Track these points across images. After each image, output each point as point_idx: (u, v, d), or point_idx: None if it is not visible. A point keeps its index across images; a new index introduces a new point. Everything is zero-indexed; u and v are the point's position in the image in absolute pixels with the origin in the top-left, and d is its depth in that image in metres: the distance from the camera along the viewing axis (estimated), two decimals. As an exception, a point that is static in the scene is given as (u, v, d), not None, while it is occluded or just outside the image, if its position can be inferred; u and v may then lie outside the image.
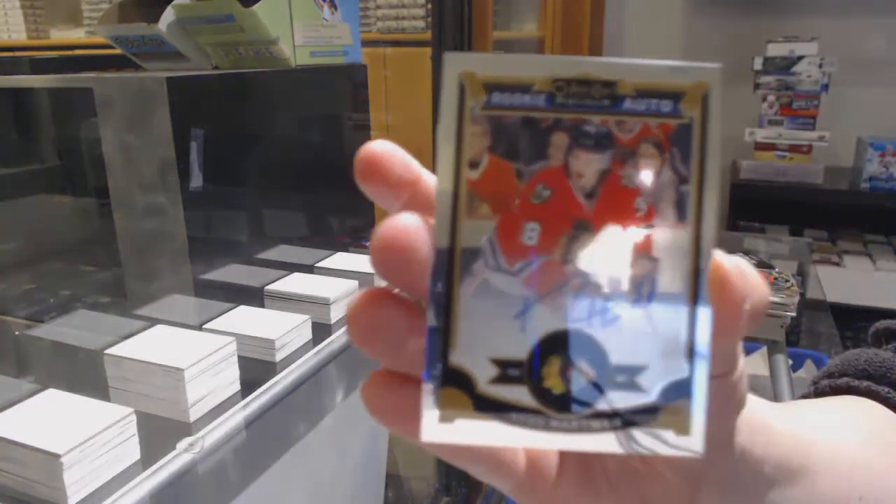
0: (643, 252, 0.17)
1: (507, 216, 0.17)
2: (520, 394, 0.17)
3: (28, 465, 0.51)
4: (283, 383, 0.70)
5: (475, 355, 0.17)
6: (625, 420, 0.17)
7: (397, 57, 2.33)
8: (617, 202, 0.17)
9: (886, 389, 0.36)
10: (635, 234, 0.17)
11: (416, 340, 0.17)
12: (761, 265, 1.17)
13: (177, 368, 0.61)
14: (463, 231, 0.17)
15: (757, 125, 2.23)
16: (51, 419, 0.54)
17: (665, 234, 0.17)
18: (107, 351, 0.64)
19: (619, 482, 0.23)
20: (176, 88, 0.72)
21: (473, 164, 0.17)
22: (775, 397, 0.81)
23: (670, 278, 0.17)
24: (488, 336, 0.17)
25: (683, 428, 0.17)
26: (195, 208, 0.76)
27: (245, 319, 0.77)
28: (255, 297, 0.85)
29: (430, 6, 2.33)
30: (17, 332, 0.82)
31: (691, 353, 0.17)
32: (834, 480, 0.28)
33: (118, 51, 1.02)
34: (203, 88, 0.81)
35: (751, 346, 0.98)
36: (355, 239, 1.07)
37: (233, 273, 0.84)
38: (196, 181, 0.76)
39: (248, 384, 0.68)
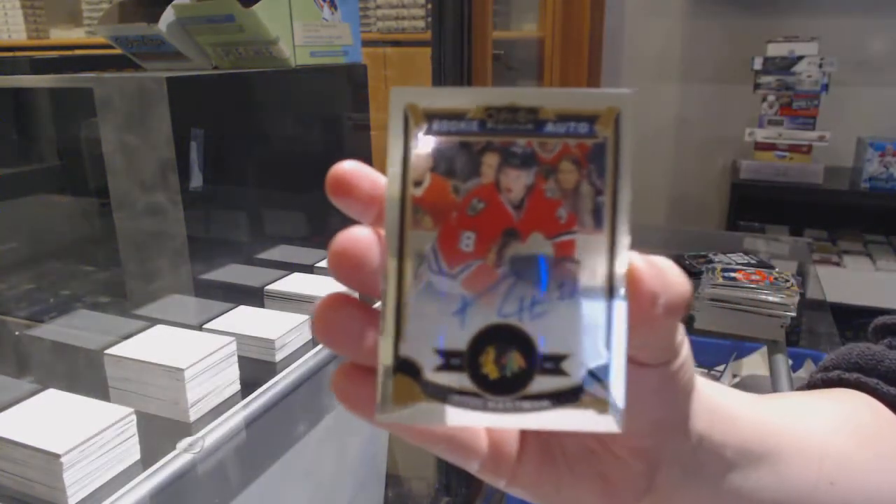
0: (566, 255, 0.19)
1: (447, 227, 0.19)
2: (461, 380, 0.19)
3: (28, 465, 0.51)
4: (283, 383, 0.70)
5: (422, 347, 0.19)
6: (552, 401, 0.19)
7: (397, 57, 2.33)
8: (542, 212, 0.19)
9: (875, 381, 0.37)
10: (558, 239, 0.19)
11: (370, 337, 0.20)
12: (761, 265, 1.17)
13: (177, 368, 0.61)
14: (409, 240, 0.19)
15: (757, 125, 2.23)
16: (51, 419, 0.54)
17: (584, 239, 0.19)
18: (107, 351, 0.64)
19: (577, 462, 0.25)
20: (176, 88, 0.72)
21: (417, 183, 0.19)
22: (775, 397, 0.80)
23: (590, 277, 0.19)
24: (433, 330, 0.19)
25: (603, 408, 0.19)
26: (195, 208, 0.76)
27: (245, 319, 0.77)
28: (255, 297, 0.85)
29: (430, 6, 2.33)
30: (17, 332, 0.82)
31: (609, 342, 0.19)
32: (801, 466, 0.30)
33: (118, 51, 1.02)
34: (203, 88, 0.81)
35: (751, 346, 0.98)
36: (355, 239, 1.07)
37: (233, 273, 0.84)
38: (196, 181, 0.76)
39: (248, 384, 0.68)
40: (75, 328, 0.84)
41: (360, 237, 0.19)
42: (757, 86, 2.19)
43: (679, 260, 1.26)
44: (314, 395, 0.76)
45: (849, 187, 2.20)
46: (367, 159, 1.12)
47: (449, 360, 0.19)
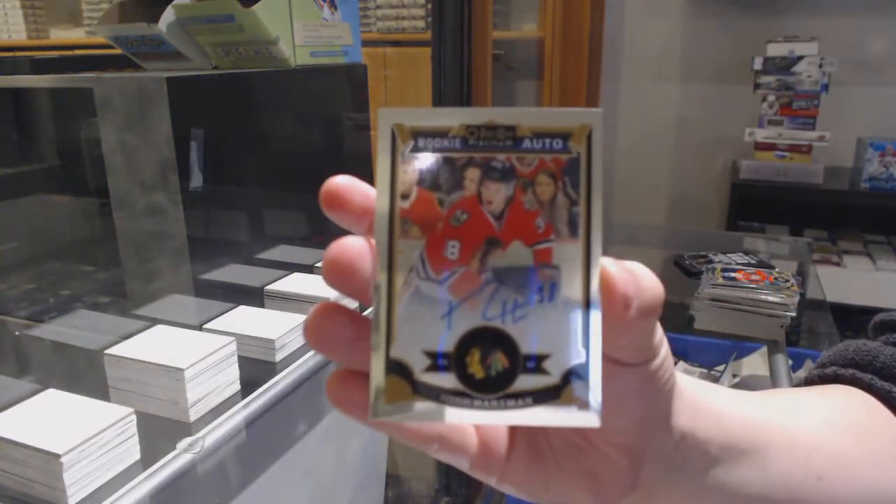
0: (544, 262, 0.20)
1: (433, 236, 0.20)
2: (449, 379, 0.20)
3: (28, 465, 0.51)
4: (283, 383, 0.70)
5: (411, 349, 0.20)
6: (535, 398, 0.20)
7: (397, 57, 2.33)
8: (521, 222, 0.20)
9: (870, 377, 0.37)
10: (537, 247, 0.20)
11: (360, 344, 0.21)
12: (761, 265, 1.17)
13: (177, 368, 0.61)
14: (399, 249, 0.20)
15: (757, 125, 2.23)
16: (51, 419, 0.54)
17: (561, 247, 0.20)
18: (107, 351, 0.64)
19: (564, 459, 0.25)
20: (176, 88, 0.72)
21: (405, 196, 0.20)
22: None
23: (567, 282, 0.20)
24: (421, 333, 0.20)
25: (583, 404, 0.20)
26: (195, 208, 0.76)
27: (245, 319, 0.77)
28: (255, 297, 0.85)
29: (430, 6, 2.33)
30: (17, 332, 0.82)
31: (586, 342, 0.20)
32: (787, 461, 0.30)
33: (118, 51, 1.02)
34: (203, 88, 0.81)
35: (751, 346, 0.98)
36: (355, 239, 1.07)
37: (233, 273, 0.84)
38: (196, 181, 0.76)
39: (248, 384, 0.68)
40: (75, 328, 0.84)
41: (353, 247, 0.20)
42: (757, 86, 2.19)
43: (679, 260, 1.26)
44: (314, 395, 0.76)
45: (849, 187, 2.19)
46: (366, 159, 1.12)
47: (437, 361, 0.20)
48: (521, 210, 0.21)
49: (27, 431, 0.52)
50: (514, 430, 0.25)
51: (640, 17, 2.55)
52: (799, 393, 0.38)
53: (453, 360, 0.20)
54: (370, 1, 2.47)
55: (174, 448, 0.57)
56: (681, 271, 1.24)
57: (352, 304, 0.23)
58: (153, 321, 0.72)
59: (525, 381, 0.20)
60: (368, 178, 0.21)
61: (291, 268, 0.92)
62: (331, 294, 0.83)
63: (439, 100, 1.50)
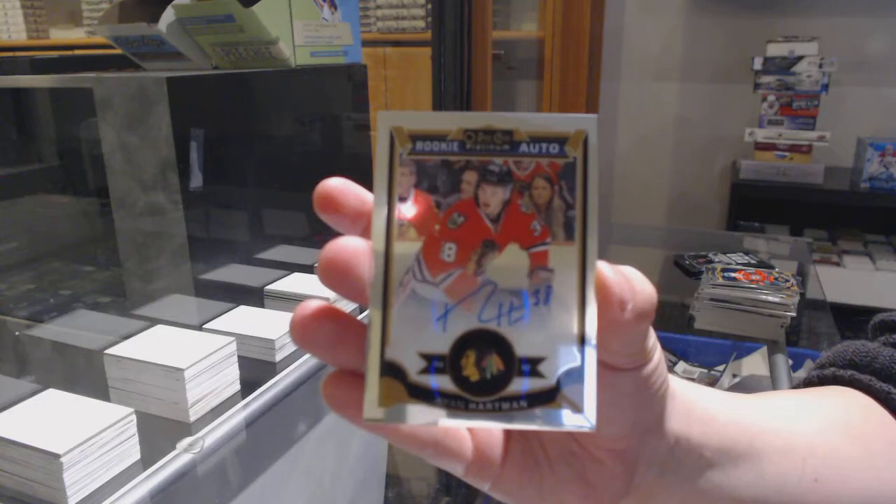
0: (540, 264, 0.20)
1: (430, 238, 0.21)
2: (444, 382, 0.20)
3: (28, 465, 0.51)
4: (283, 383, 0.70)
5: (407, 351, 0.20)
6: (529, 401, 0.20)
7: (397, 57, 2.33)
8: (517, 225, 0.21)
9: (868, 378, 0.37)
10: (533, 250, 0.20)
11: (344, 343, 0.21)
12: (761, 265, 1.17)
13: (177, 368, 0.61)
14: (395, 251, 0.20)
15: (757, 125, 2.23)
16: (51, 419, 0.54)
17: (557, 250, 0.20)
18: (107, 351, 0.64)
19: (558, 465, 0.25)
20: (176, 88, 0.72)
21: (403, 198, 0.21)
22: (775, 397, 0.80)
23: (563, 285, 0.20)
24: (417, 335, 0.20)
25: (577, 407, 0.20)
26: (195, 208, 0.76)
27: (245, 319, 0.77)
28: (255, 297, 0.85)
29: (430, 6, 2.33)
30: (17, 332, 0.82)
31: (581, 345, 0.20)
32: (782, 464, 0.30)
33: (118, 51, 1.02)
34: (203, 88, 0.81)
35: (751, 346, 0.97)
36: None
37: (233, 273, 0.84)
38: (196, 181, 0.76)
39: (248, 384, 0.68)
40: (75, 328, 0.84)
41: (349, 247, 0.20)
42: (757, 86, 2.19)
43: (679, 260, 1.26)
44: (314, 395, 0.76)
45: (849, 187, 2.19)
46: (366, 159, 1.12)
47: (432, 363, 0.20)
48: (518, 213, 0.21)
49: (27, 431, 0.52)
50: (508, 436, 0.25)
51: (639, 16, 2.55)
52: (795, 395, 0.38)
53: (448, 363, 0.20)
54: (370, 1, 2.47)
55: (174, 448, 0.57)
56: (681, 271, 1.24)
57: (349, 305, 0.23)
58: (153, 321, 0.72)
59: (520, 384, 0.20)
60: (368, 178, 0.21)
61: (291, 268, 0.92)
62: (330, 295, 0.82)
63: (439, 100, 1.50)
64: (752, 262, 1.19)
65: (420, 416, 0.20)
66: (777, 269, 1.05)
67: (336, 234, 0.21)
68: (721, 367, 0.98)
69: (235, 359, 0.67)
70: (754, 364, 1.02)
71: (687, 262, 1.24)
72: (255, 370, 0.71)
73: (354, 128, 1.08)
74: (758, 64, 2.16)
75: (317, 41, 0.98)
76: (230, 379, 0.67)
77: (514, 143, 0.21)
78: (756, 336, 0.96)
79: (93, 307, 0.87)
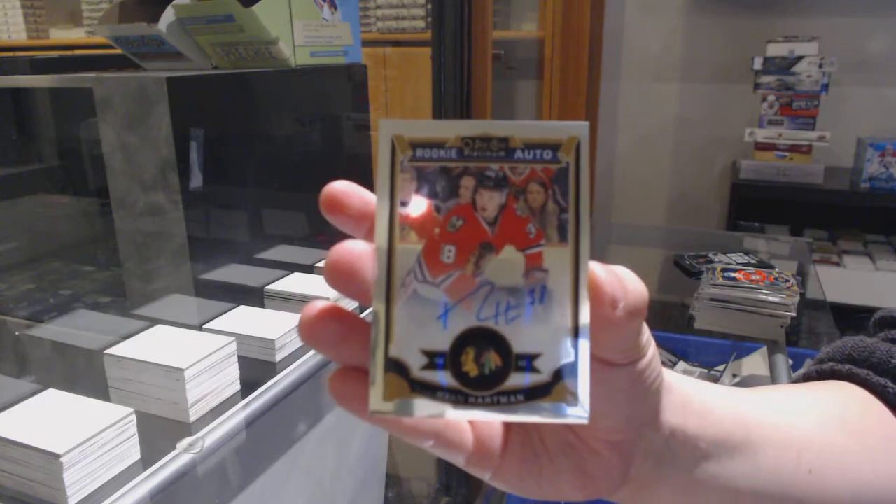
0: (535, 265, 0.21)
1: (430, 241, 0.22)
2: (444, 377, 0.21)
3: (28, 465, 0.51)
4: (283, 383, 0.70)
5: (409, 348, 0.21)
6: (526, 395, 0.21)
7: (397, 57, 2.33)
8: (513, 228, 0.22)
9: (866, 372, 0.38)
10: (529, 251, 0.21)
11: (349, 341, 0.22)
12: (761, 265, 1.17)
13: (177, 368, 0.61)
14: (397, 253, 0.21)
15: (757, 125, 2.23)
16: (51, 419, 0.54)
17: (551, 251, 0.21)
18: (107, 351, 0.64)
19: (556, 455, 0.26)
20: (176, 88, 0.72)
21: (404, 203, 0.22)
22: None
23: (557, 285, 0.21)
24: (418, 333, 0.21)
25: (572, 400, 0.21)
26: (195, 208, 0.76)
27: (245, 319, 0.77)
28: (255, 297, 0.85)
29: (430, 6, 2.33)
30: (17, 332, 0.82)
31: (576, 342, 0.21)
32: (778, 456, 0.31)
33: (118, 51, 1.02)
34: (203, 88, 0.81)
35: (751, 346, 0.97)
36: (355, 239, 1.07)
37: (233, 273, 0.84)
38: (196, 181, 0.76)
39: (248, 384, 0.68)
40: (75, 328, 0.84)
41: (354, 250, 0.21)
42: (757, 86, 2.19)
43: (679, 260, 1.26)
44: (314, 395, 0.76)
45: (849, 187, 2.19)
46: (366, 159, 1.12)
47: (433, 359, 0.21)
48: (514, 216, 0.22)
49: (27, 431, 0.52)
50: (508, 428, 0.26)
51: (639, 16, 2.55)
52: (793, 389, 0.38)
53: (449, 359, 0.21)
54: (370, 1, 2.47)
55: (174, 448, 0.57)
56: (681, 271, 1.24)
57: (352, 304, 0.24)
58: (153, 321, 0.71)
59: (517, 379, 0.21)
60: (368, 177, 0.22)
61: (291, 268, 0.92)
62: (331, 294, 0.83)
63: (439, 100, 1.50)
64: (752, 262, 1.19)
65: (423, 410, 0.21)
66: (777, 269, 1.05)
67: (340, 236, 0.22)
68: (721, 367, 0.98)
69: (235, 359, 0.67)
70: (754, 364, 1.02)
71: (687, 262, 1.24)
72: (255, 370, 0.71)
73: (354, 128, 1.08)
74: (758, 64, 2.16)
75: (317, 41, 0.98)
76: (230, 379, 0.67)
77: (510, 149, 0.22)
78: (756, 336, 0.96)
79: (93, 307, 0.87)
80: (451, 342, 0.21)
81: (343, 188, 0.22)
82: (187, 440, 0.59)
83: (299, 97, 0.97)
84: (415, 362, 0.21)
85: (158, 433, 0.60)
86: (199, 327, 0.74)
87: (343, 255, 0.21)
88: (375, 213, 0.21)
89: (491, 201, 0.22)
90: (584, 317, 0.21)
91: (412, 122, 0.22)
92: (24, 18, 3.18)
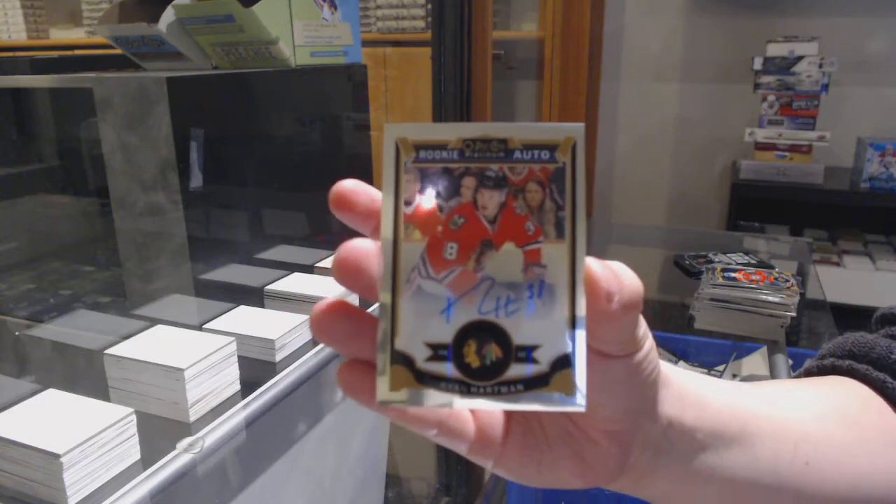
0: (533, 261, 0.22)
1: (433, 239, 0.22)
2: (448, 368, 0.22)
3: (28, 465, 0.51)
4: (283, 383, 0.70)
5: (414, 341, 0.22)
6: (525, 385, 0.22)
7: (397, 57, 2.33)
8: (512, 225, 0.22)
9: (866, 367, 0.38)
10: (527, 248, 0.22)
11: (359, 336, 0.23)
12: (761, 265, 1.17)
13: (177, 368, 0.61)
14: (402, 251, 0.22)
15: (757, 125, 2.23)
16: (51, 419, 0.54)
17: (549, 248, 0.22)
18: (107, 351, 0.64)
19: (556, 444, 0.27)
20: (176, 88, 0.72)
21: (408, 203, 0.23)
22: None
23: (555, 279, 0.22)
24: (423, 326, 0.22)
25: (569, 390, 0.22)
26: (195, 208, 0.76)
27: (245, 319, 0.77)
28: (255, 297, 0.85)
29: (430, 6, 2.33)
30: (17, 332, 0.82)
31: (573, 334, 0.22)
32: (774, 447, 0.32)
33: (118, 51, 1.02)
34: (203, 88, 0.81)
35: (751, 346, 0.97)
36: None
37: (233, 273, 0.84)
38: (196, 181, 0.76)
39: (248, 384, 0.68)
40: (75, 328, 0.84)
41: (361, 248, 0.23)
42: (757, 86, 2.19)
43: (679, 260, 1.26)
44: (314, 395, 0.76)
45: (849, 187, 2.19)
46: (366, 159, 1.12)
47: (437, 351, 0.22)
48: (513, 214, 0.23)
49: (27, 431, 0.52)
50: (509, 417, 0.27)
51: (640, 16, 2.55)
52: (792, 384, 0.39)
53: (452, 351, 0.22)
54: (370, 1, 2.47)
55: (174, 448, 0.57)
56: (681, 271, 1.24)
57: (355, 301, 0.24)
58: (153, 321, 0.71)
59: (517, 370, 0.22)
60: (369, 177, 0.22)
61: (291, 268, 0.92)
62: (330, 293, 0.83)
63: (439, 99, 1.50)
64: (752, 262, 1.19)
65: (428, 399, 0.22)
66: (777, 269, 1.05)
67: (341, 234, 0.22)
68: (721, 367, 0.98)
69: (235, 359, 0.67)
70: (754, 364, 1.02)
71: (687, 262, 1.24)
72: (255, 370, 0.71)
73: (354, 128, 1.08)
74: (758, 64, 2.16)
75: (317, 41, 0.98)
76: (230, 379, 0.67)
77: (509, 150, 0.23)
78: (756, 336, 0.96)
79: (93, 307, 0.87)
80: (453, 335, 0.22)
81: (351, 186, 0.23)
82: (187, 440, 0.59)
83: (299, 97, 0.97)
84: (420, 354, 0.22)
85: (158, 433, 0.60)
86: (199, 327, 0.74)
87: (350, 252, 0.22)
88: (381, 211, 0.22)
89: (491, 200, 0.23)
90: (581, 310, 0.22)
91: (416, 126, 0.23)
92: (24, 18, 3.18)
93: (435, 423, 0.25)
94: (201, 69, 0.97)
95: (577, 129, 0.23)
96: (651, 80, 2.58)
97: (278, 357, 0.73)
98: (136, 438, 0.55)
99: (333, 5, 1.01)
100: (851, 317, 1.45)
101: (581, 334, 0.22)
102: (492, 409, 0.26)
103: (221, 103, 0.83)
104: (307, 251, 0.97)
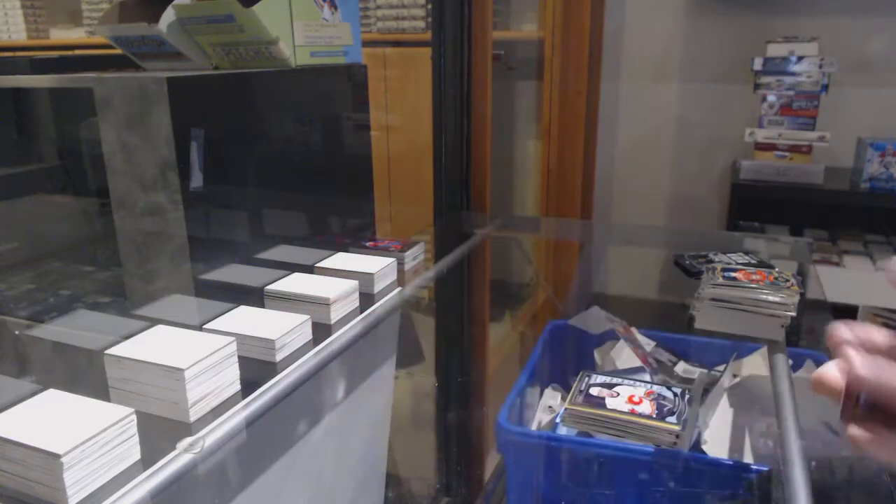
0: None
1: None
2: None
3: (28, 465, 0.51)
4: (283, 383, 0.70)
5: None
6: None
7: (397, 57, 2.33)
8: None
9: None
10: None
11: None
12: (761, 265, 1.17)
13: (177, 368, 0.61)
14: None
15: (757, 125, 2.22)
16: (51, 419, 0.54)
17: None
18: (107, 351, 0.64)
19: None
20: (176, 88, 0.72)
21: None
22: (775, 397, 0.81)
23: None
24: None
25: None
26: (195, 208, 0.76)
27: (245, 319, 0.77)
28: (255, 297, 0.85)
29: (430, 6, 2.33)
30: (17, 332, 0.82)
31: None
32: None
33: (118, 51, 1.02)
34: (203, 88, 0.81)
35: (751, 346, 0.98)
36: (355, 239, 1.07)
37: (233, 273, 0.84)
38: (196, 181, 0.76)
39: (248, 384, 0.68)
40: (75, 328, 0.84)
41: None
42: (757, 86, 2.19)
43: (679, 260, 1.26)
44: (314, 395, 0.76)
45: (849, 187, 2.19)
46: (366, 160, 1.12)
47: None
48: None
49: (27, 431, 0.52)
50: None
51: (640, 17, 2.55)
52: None
53: None
54: (370, 1, 2.47)
55: (174, 448, 0.57)
56: (681, 271, 1.23)
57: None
58: (153, 321, 0.71)
59: None
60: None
61: (291, 268, 0.92)
62: (330, 293, 0.83)
63: (439, 100, 1.50)
64: (753, 261, 1.19)
65: None
66: (777, 269, 1.05)
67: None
68: (721, 367, 0.98)
69: (235, 359, 0.67)
70: (754, 364, 1.02)
71: (687, 262, 1.24)
72: (255, 370, 0.71)
73: (354, 128, 1.08)
74: (758, 64, 2.16)
75: (317, 41, 0.98)
76: (230, 379, 0.67)
77: None
78: (756, 336, 0.96)
79: (93, 307, 0.87)
80: None
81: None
82: (187, 440, 0.59)
83: (299, 97, 0.97)
84: None
85: (158, 433, 0.60)
86: (199, 327, 0.74)
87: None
88: None
89: None
90: None
91: None
92: (24, 18, 3.18)
93: None
94: (201, 69, 0.97)
95: None
96: (651, 80, 2.58)
97: (278, 357, 0.73)
98: (136, 438, 0.55)
99: (333, 5, 1.01)
100: (851, 317, 1.45)
101: None
102: None
103: (222, 103, 0.83)
104: (307, 251, 0.97)
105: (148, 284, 0.79)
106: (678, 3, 2.48)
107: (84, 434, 0.51)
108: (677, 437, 0.72)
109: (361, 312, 0.85)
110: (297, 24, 0.94)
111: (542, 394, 1.20)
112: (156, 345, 0.65)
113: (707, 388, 1.02)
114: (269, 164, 0.91)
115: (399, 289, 0.95)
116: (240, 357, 0.68)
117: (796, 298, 0.95)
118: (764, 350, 0.95)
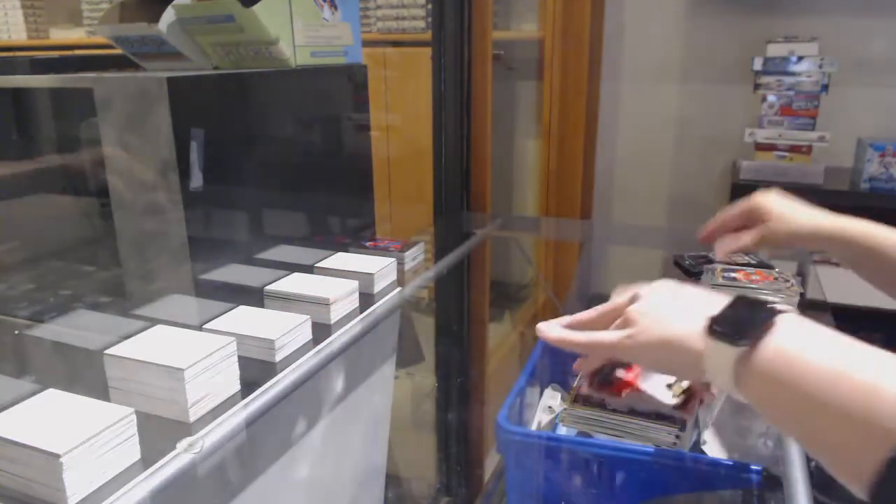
0: None
1: None
2: None
3: (28, 465, 0.51)
4: (283, 383, 0.70)
5: None
6: None
7: (397, 57, 2.33)
8: None
9: None
10: None
11: None
12: (761, 265, 1.17)
13: (177, 368, 0.61)
14: None
15: (757, 125, 2.22)
16: (51, 419, 0.54)
17: None
18: (107, 351, 0.64)
19: None
20: (176, 88, 0.72)
21: None
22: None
23: None
24: None
25: None
26: (195, 208, 0.76)
27: (245, 319, 0.77)
28: (255, 297, 0.85)
29: (430, 6, 2.33)
30: (17, 332, 0.82)
31: None
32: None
33: (118, 51, 1.02)
34: (203, 88, 0.81)
35: (751, 346, 0.97)
36: (355, 239, 1.07)
37: (233, 273, 0.84)
38: (196, 181, 0.76)
39: (248, 384, 0.68)
40: (75, 328, 0.84)
41: None
42: (757, 86, 2.19)
43: (679, 260, 1.26)
44: (314, 395, 0.76)
45: (849, 187, 2.19)
46: (366, 159, 1.12)
47: None
48: None
49: (27, 431, 0.52)
50: None
51: (640, 17, 2.55)
52: None
53: None
54: (370, 1, 2.47)
55: (174, 448, 0.57)
56: (681, 271, 1.23)
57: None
58: (153, 321, 0.72)
59: None
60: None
61: (291, 268, 0.92)
62: (330, 293, 0.83)
63: (439, 100, 1.50)
64: (753, 262, 1.19)
65: None
66: (777, 269, 1.05)
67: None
68: (721, 368, 0.98)
69: (235, 359, 0.67)
70: (754, 364, 1.01)
71: (687, 262, 1.24)
72: (255, 370, 0.71)
73: (354, 128, 1.08)
74: (758, 64, 2.16)
75: (317, 41, 0.98)
76: (230, 379, 0.67)
77: None
78: (756, 336, 0.95)
79: (93, 307, 0.87)
80: None
81: None
82: (187, 440, 0.59)
83: (299, 97, 0.97)
84: None
85: (158, 433, 0.60)
86: (199, 327, 0.74)
87: None
88: None
89: None
90: None
91: None
92: (24, 18, 3.18)
93: None
94: (201, 69, 0.97)
95: None
96: (651, 80, 2.58)
97: (278, 357, 0.73)
98: (136, 438, 0.55)
99: (334, 5, 1.01)
100: (851, 317, 1.45)
101: None
102: None
103: (222, 103, 0.83)
104: (307, 251, 0.97)
105: (148, 284, 0.79)
106: (678, 4, 2.48)
107: (84, 434, 0.51)
108: (677, 437, 0.72)
109: (361, 312, 0.85)
110: (298, 25, 0.94)
111: (542, 394, 1.20)
112: (155, 345, 0.65)
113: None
114: (269, 164, 0.91)
115: (399, 289, 0.95)
116: (239, 357, 0.68)
117: (796, 298, 0.95)
118: (764, 350, 0.95)
